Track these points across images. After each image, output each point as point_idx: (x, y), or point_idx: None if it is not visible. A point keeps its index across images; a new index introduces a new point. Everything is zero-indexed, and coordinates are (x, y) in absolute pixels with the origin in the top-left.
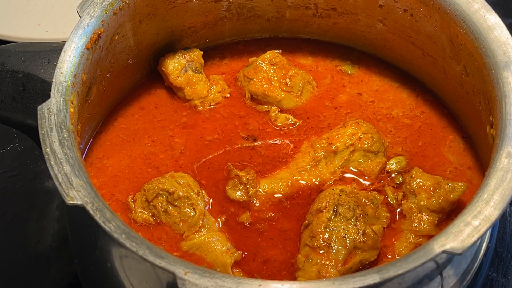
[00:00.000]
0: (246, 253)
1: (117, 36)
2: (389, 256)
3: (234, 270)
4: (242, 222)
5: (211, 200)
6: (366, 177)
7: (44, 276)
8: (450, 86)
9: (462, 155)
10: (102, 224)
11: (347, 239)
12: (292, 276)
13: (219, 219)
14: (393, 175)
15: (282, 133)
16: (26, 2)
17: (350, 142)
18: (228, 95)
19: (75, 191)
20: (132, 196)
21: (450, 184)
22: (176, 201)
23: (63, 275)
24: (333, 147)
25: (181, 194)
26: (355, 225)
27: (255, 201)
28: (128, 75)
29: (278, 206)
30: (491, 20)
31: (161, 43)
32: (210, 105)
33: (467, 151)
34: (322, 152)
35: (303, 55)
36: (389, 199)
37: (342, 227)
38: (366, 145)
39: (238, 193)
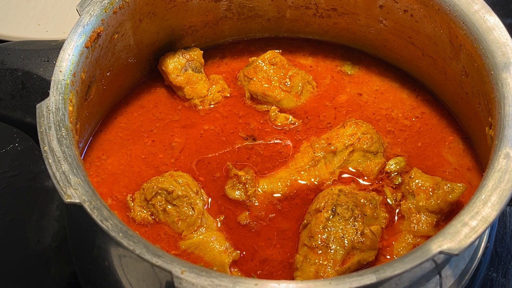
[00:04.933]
0: (244, 252)
1: (116, 35)
2: (388, 257)
3: (232, 270)
4: (240, 221)
5: (209, 200)
6: (365, 178)
7: (44, 276)
8: (450, 87)
9: (461, 156)
10: (100, 223)
11: (345, 239)
12: (290, 276)
13: (217, 219)
14: (392, 175)
15: (281, 133)
16: (26, 2)
17: (349, 142)
18: (228, 95)
19: (73, 189)
20: (131, 195)
21: (449, 185)
22: (175, 200)
23: (62, 275)
24: (332, 147)
25: (180, 193)
26: (354, 225)
27: (253, 201)
28: (128, 74)
29: (276, 206)
30: (491, 21)
31: (161, 42)
32: (210, 105)
33: (466, 152)
34: (321, 152)
35: (303, 55)
36: (388, 200)
37: (341, 227)
38: (365, 145)
39: (237, 192)
